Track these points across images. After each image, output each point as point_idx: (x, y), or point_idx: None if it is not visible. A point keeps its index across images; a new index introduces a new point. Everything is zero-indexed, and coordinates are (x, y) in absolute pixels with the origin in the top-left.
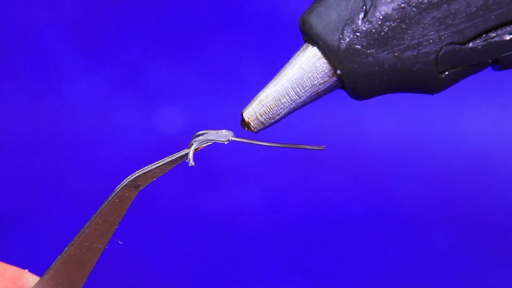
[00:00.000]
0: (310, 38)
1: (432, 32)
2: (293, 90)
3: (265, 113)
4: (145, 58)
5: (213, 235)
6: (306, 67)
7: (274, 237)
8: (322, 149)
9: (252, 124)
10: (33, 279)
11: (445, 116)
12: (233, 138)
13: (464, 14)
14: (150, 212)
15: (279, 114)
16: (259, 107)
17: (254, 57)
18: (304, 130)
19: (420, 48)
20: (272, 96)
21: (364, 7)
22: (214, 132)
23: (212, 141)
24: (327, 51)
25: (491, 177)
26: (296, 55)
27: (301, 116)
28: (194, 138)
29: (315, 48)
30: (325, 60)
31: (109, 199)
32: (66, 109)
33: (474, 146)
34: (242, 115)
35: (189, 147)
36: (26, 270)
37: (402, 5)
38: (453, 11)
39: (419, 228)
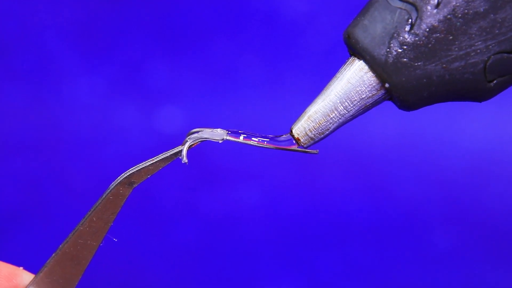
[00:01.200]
0: (357, 52)
1: (479, 42)
2: (341, 104)
3: (315, 128)
4: (145, 58)
5: (212, 234)
6: (354, 81)
7: (274, 237)
8: (316, 153)
9: (301, 140)
10: (28, 276)
11: (446, 116)
12: (227, 137)
13: (510, 23)
14: (150, 211)
15: (328, 129)
16: (308, 123)
17: (254, 57)
18: None
19: (467, 58)
20: (321, 111)
21: (410, 19)
22: (209, 130)
23: (206, 139)
24: (375, 65)
25: (491, 177)
26: (342, 69)
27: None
28: (189, 135)
29: (361, 62)
30: (372, 74)
31: (103, 196)
32: (66, 109)
33: (474, 146)
34: (291, 131)
35: (183, 144)
36: (21, 268)
37: (448, 16)
38: (500, 20)
39: (419, 228)
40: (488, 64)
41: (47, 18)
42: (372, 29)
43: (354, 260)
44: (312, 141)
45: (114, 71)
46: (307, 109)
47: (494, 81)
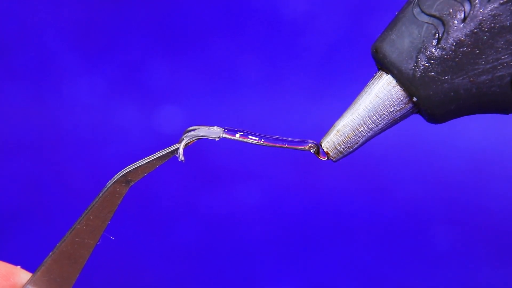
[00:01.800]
0: (384, 66)
1: (505, 56)
2: (370, 118)
3: (344, 142)
4: (145, 58)
5: (212, 234)
6: (382, 95)
7: (274, 237)
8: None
9: (331, 154)
10: (26, 275)
11: None
12: (223, 135)
13: None
14: (150, 211)
15: (357, 143)
16: (337, 137)
17: (254, 57)
18: (304, 130)
19: (494, 72)
20: (350, 125)
21: (437, 34)
22: (205, 128)
23: (203, 137)
24: (402, 80)
25: (491, 177)
26: (370, 83)
27: (300, 115)
28: (185, 133)
29: (389, 76)
30: (400, 88)
31: (100, 194)
32: (66, 109)
33: (474, 147)
34: (320, 145)
35: (179, 142)
36: (19, 267)
37: (475, 30)
38: None
39: (419, 228)
40: None
41: (47, 18)
42: (399, 43)
43: (354, 260)
44: (341, 155)
45: (114, 71)
46: (336, 123)
47: None
